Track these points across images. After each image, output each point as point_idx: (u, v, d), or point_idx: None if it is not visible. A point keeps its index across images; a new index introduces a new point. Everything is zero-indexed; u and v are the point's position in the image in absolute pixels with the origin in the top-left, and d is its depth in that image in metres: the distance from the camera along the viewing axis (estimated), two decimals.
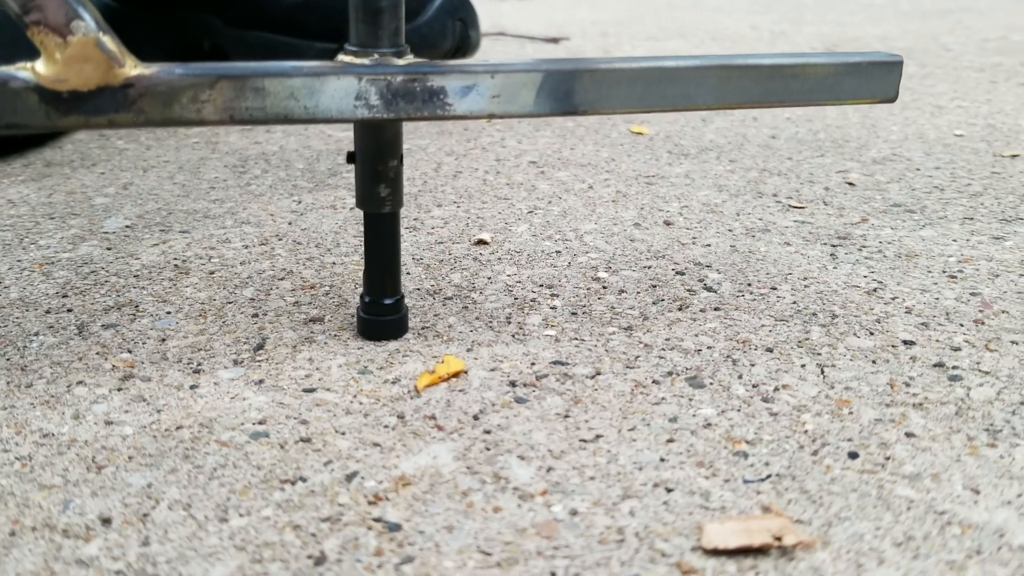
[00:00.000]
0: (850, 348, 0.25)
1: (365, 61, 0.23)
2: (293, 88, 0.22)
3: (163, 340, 0.27)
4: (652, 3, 1.29)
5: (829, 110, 0.56)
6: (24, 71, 0.20)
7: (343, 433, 0.21)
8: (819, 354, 0.25)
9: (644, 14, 1.15)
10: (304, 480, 0.20)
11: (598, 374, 0.24)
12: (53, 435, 0.22)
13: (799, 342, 0.26)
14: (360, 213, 0.38)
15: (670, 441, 0.21)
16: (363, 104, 0.23)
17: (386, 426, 0.22)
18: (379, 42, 0.24)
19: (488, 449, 0.21)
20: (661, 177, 0.42)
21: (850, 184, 0.41)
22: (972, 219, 0.36)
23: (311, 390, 0.24)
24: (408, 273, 0.31)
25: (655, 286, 0.30)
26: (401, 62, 0.23)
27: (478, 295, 0.29)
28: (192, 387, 0.24)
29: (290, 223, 0.37)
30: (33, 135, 0.50)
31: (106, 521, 0.19)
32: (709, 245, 0.34)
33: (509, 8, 1.26)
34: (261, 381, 0.24)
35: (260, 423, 0.22)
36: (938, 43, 0.85)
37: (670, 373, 0.24)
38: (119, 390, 0.24)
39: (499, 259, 0.33)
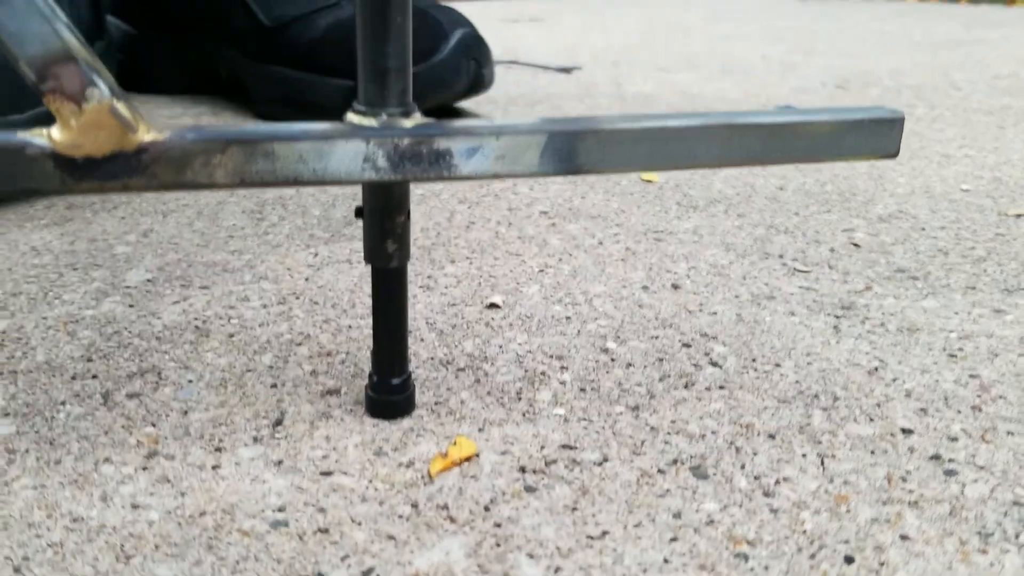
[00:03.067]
0: (850, 436, 0.26)
1: (373, 123, 0.24)
2: (302, 152, 0.23)
3: (185, 412, 0.28)
4: (663, 25, 1.30)
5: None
6: (40, 137, 0.21)
7: (359, 523, 0.22)
8: (820, 442, 0.26)
9: (655, 39, 1.16)
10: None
11: (605, 460, 0.25)
12: (83, 519, 0.23)
13: (800, 428, 0.27)
14: None
15: (674, 540, 0.22)
16: (371, 166, 0.23)
17: (400, 516, 0.23)
18: (386, 102, 0.24)
19: (499, 545, 0.22)
20: (670, 233, 0.43)
21: (855, 245, 0.41)
22: (974, 288, 0.37)
23: (328, 473, 0.24)
24: (422, 339, 0.32)
25: (662, 359, 0.31)
26: (408, 124, 0.24)
27: (489, 366, 0.30)
28: (214, 467, 0.25)
29: (307, 279, 0.38)
30: None
31: None
32: (715, 313, 0.34)
33: (522, 30, 1.27)
34: (280, 462, 0.25)
35: (280, 510, 0.23)
36: (948, 80, 0.86)
37: (675, 461, 0.25)
38: (144, 469, 0.25)
39: (510, 324, 0.33)
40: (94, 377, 0.30)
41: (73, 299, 0.36)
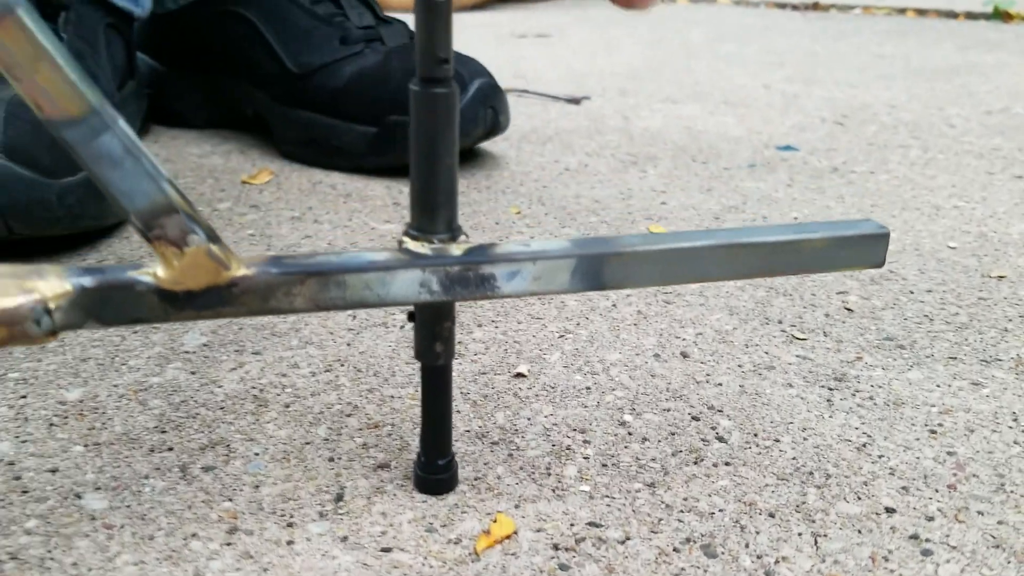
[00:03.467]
0: (840, 515, 0.30)
1: (427, 251, 0.27)
2: (368, 280, 0.27)
3: (256, 487, 0.31)
4: (668, 46, 1.33)
5: (834, 209, 0.61)
6: (147, 276, 0.25)
7: None
8: (814, 521, 0.30)
9: (661, 65, 1.19)
10: None
11: (628, 539, 0.29)
12: None
13: (797, 506, 0.30)
14: (409, 335, 0.42)
15: None
16: (426, 290, 0.27)
17: None
18: (436, 229, 0.28)
19: None
20: (677, 295, 0.47)
21: (849, 310, 0.45)
22: (956, 359, 0.41)
23: (388, 549, 0.28)
24: (458, 411, 0.36)
25: (674, 433, 0.35)
26: (457, 251, 0.27)
27: (520, 439, 0.34)
28: (288, 543, 0.29)
29: (348, 343, 0.41)
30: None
31: None
32: (721, 384, 0.38)
33: (530, 50, 1.30)
34: (345, 538, 0.29)
35: None
36: (942, 115, 0.89)
37: (688, 540, 0.29)
38: (228, 544, 0.28)
39: (536, 395, 0.37)
40: (170, 450, 0.33)
41: (138, 365, 0.39)
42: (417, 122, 0.27)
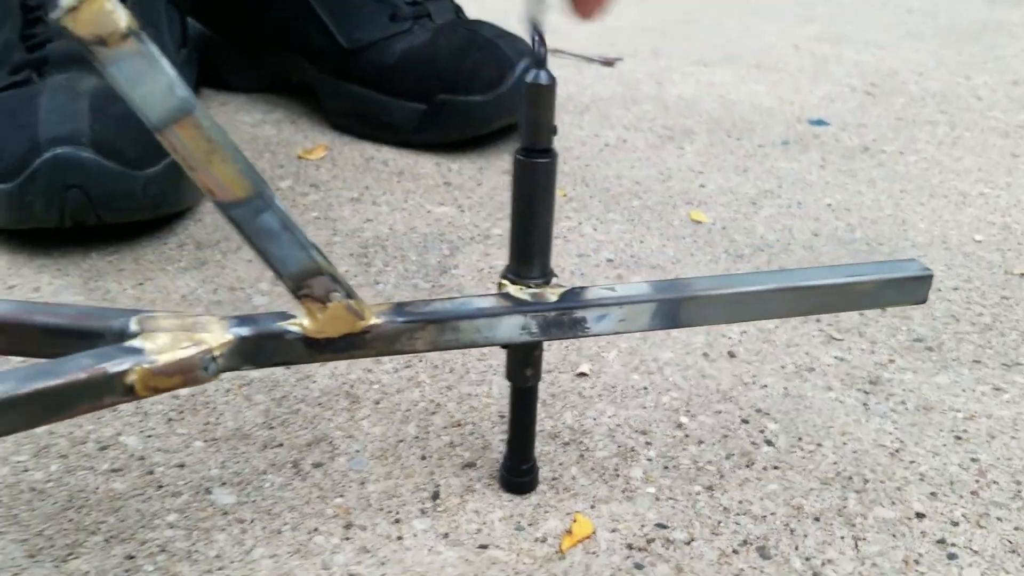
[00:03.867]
0: (877, 519, 0.34)
1: (526, 297, 0.31)
2: (478, 326, 0.31)
3: (363, 483, 0.36)
4: (698, 6, 1.34)
5: (866, 195, 0.64)
6: (295, 326, 0.29)
7: None
8: (854, 525, 0.34)
9: (691, 19, 1.20)
10: None
11: (692, 540, 0.33)
12: None
13: (839, 510, 0.35)
14: None
15: None
16: (527, 332, 0.31)
17: None
18: (532, 273, 0.32)
19: None
20: None
21: (882, 309, 0.49)
22: (979, 362, 0.44)
23: (485, 547, 0.33)
24: None
25: (726, 436, 0.39)
26: (553, 297, 0.31)
27: (588, 440, 0.38)
28: (398, 538, 0.33)
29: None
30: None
31: None
32: (766, 386, 0.42)
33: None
34: (446, 535, 0.33)
35: None
36: (969, 86, 0.91)
37: (745, 542, 0.33)
38: (347, 539, 0.33)
39: (599, 395, 0.41)
40: (280, 446, 0.38)
41: None
42: (519, 184, 0.30)
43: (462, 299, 0.31)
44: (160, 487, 0.35)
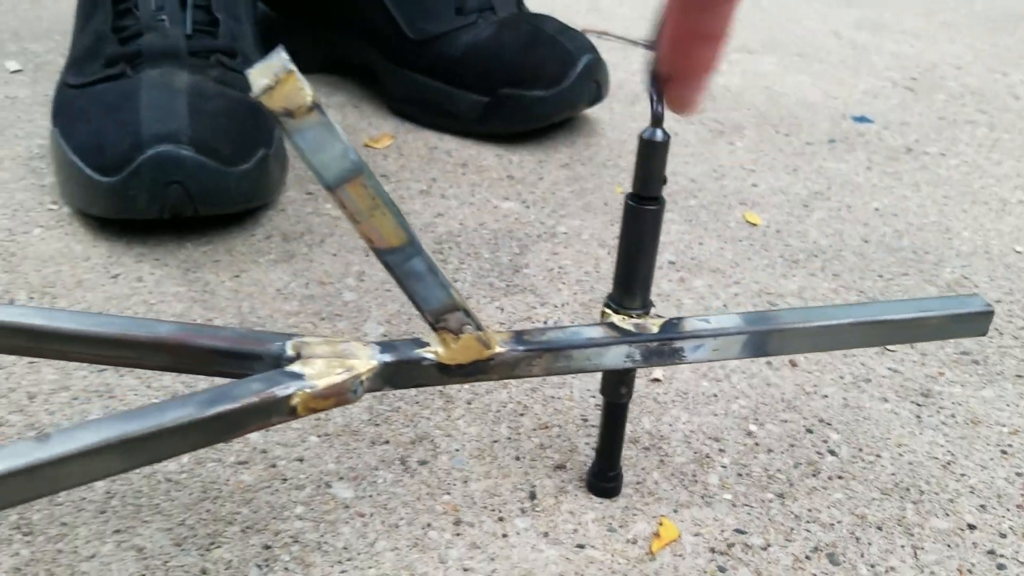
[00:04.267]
0: (933, 530, 0.38)
1: (630, 327, 0.34)
2: (588, 354, 0.34)
3: (466, 482, 0.39)
4: None
5: (911, 199, 0.67)
6: (431, 353, 0.32)
7: None
8: (912, 535, 0.38)
9: None
10: None
11: (768, 546, 0.37)
12: None
13: (899, 520, 0.38)
14: None
15: None
16: (630, 360, 0.34)
17: None
18: (634, 304, 0.35)
19: None
20: (779, 295, 0.54)
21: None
22: (1022, 376, 0.48)
23: (582, 546, 0.37)
24: None
25: (793, 445, 0.42)
26: (655, 328, 0.35)
27: (667, 445, 0.42)
28: (504, 535, 0.37)
29: None
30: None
31: None
32: (827, 396, 0.46)
33: None
34: (546, 534, 0.37)
35: None
36: (1007, 83, 0.93)
37: (816, 549, 0.37)
38: (457, 535, 0.37)
39: (672, 401, 0.45)
40: (386, 443, 0.41)
41: None
42: (628, 226, 0.33)
43: (573, 328, 0.34)
44: (284, 480, 0.39)
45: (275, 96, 0.26)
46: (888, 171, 0.71)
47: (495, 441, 0.42)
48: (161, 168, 0.52)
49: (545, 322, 0.51)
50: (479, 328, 0.32)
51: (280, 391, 0.30)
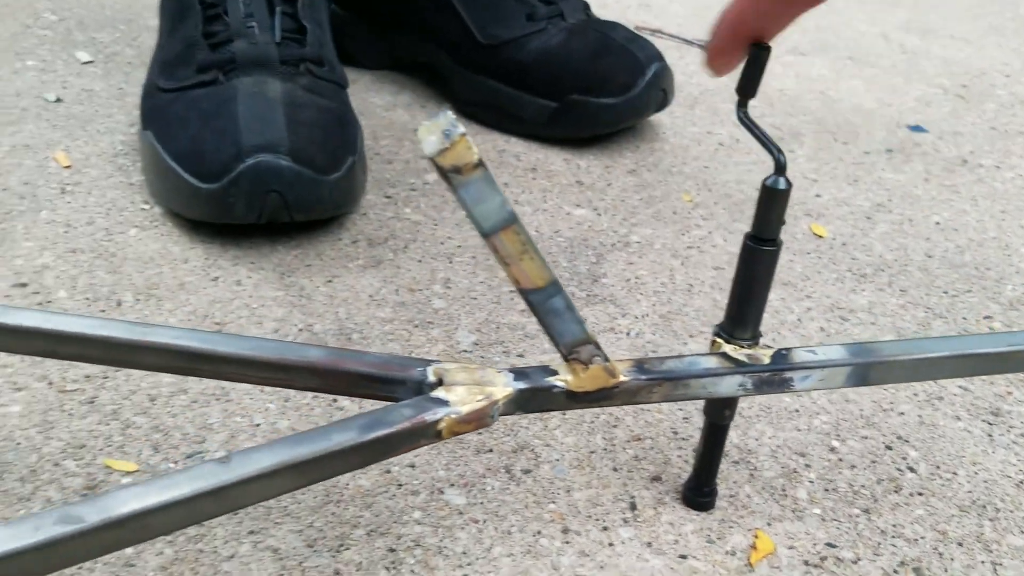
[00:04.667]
0: (1010, 547, 0.40)
1: (743, 358, 0.37)
2: (704, 383, 0.36)
3: (568, 491, 0.42)
4: None
5: (970, 214, 0.69)
6: (561, 382, 0.35)
7: None
8: (991, 551, 0.40)
9: None
10: None
11: (858, 559, 0.39)
12: None
13: (977, 536, 0.41)
14: (637, 341, 0.52)
15: None
16: (743, 389, 0.37)
17: None
18: (745, 335, 0.37)
19: None
20: (851, 311, 0.56)
21: None
22: None
23: (684, 556, 0.39)
24: (698, 428, 0.46)
25: (874, 462, 0.45)
26: (766, 359, 0.37)
27: (755, 460, 0.44)
28: (610, 544, 0.39)
29: None
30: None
31: None
32: (903, 414, 0.48)
33: None
34: (649, 544, 0.40)
35: None
36: None
37: (902, 563, 0.39)
38: (566, 543, 0.39)
39: (756, 415, 0.47)
40: (490, 451, 0.44)
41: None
42: (745, 263, 0.36)
43: (690, 358, 0.36)
44: (400, 485, 0.42)
45: (447, 156, 0.28)
46: (946, 184, 0.73)
47: (592, 452, 0.44)
48: (260, 177, 0.55)
49: (628, 333, 0.53)
50: (606, 359, 0.34)
51: (429, 416, 0.32)
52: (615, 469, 0.43)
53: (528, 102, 0.74)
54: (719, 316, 0.55)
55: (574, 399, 0.35)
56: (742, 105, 0.35)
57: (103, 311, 0.51)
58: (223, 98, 0.58)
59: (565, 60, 0.73)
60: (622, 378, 0.35)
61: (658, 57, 0.72)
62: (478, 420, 0.33)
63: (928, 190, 0.72)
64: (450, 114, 0.29)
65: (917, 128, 0.82)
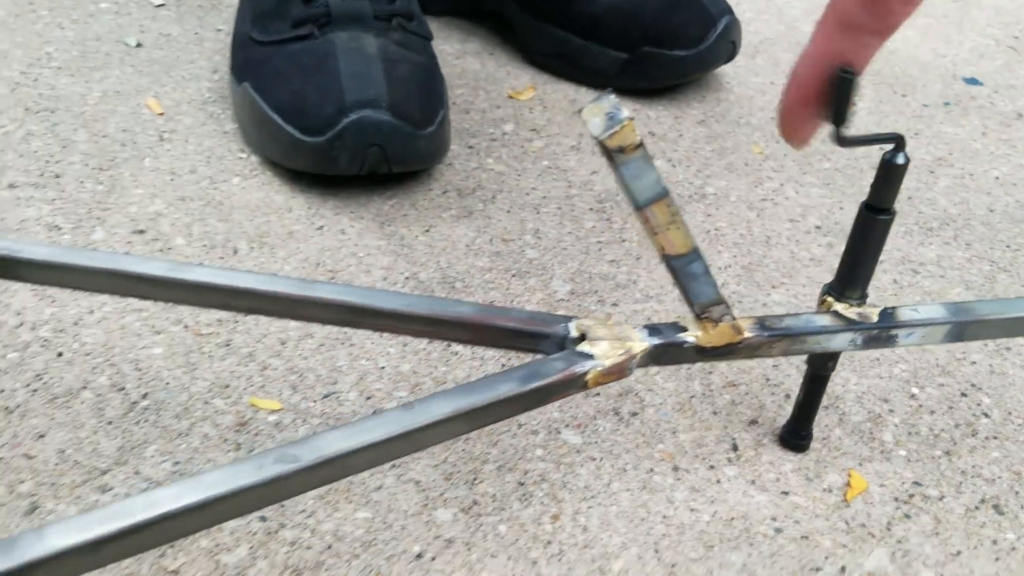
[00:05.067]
0: None
1: (854, 316, 0.40)
2: (819, 339, 0.40)
3: (674, 432, 0.46)
4: None
5: None
6: (691, 337, 0.38)
7: (822, 534, 0.41)
8: None
9: None
10: (818, 570, 0.40)
11: (943, 497, 0.43)
12: (668, 517, 0.41)
13: None
14: (732, 291, 0.55)
15: (996, 560, 0.40)
16: (853, 344, 0.40)
17: (841, 530, 0.41)
18: (855, 294, 0.41)
19: (903, 556, 0.40)
20: (920, 263, 0.59)
21: None
22: None
23: (786, 493, 0.43)
24: (788, 374, 0.50)
25: (951, 407, 0.48)
26: (875, 317, 0.40)
27: (843, 405, 0.48)
28: (717, 482, 0.43)
29: (679, 299, 0.55)
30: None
31: None
32: (975, 363, 0.51)
33: None
34: (753, 481, 0.44)
35: (773, 519, 0.42)
36: None
37: (983, 500, 0.43)
38: (677, 480, 0.43)
39: (841, 364, 0.51)
40: (597, 395, 0.48)
41: (536, 310, 0.53)
42: (859, 231, 0.39)
43: (805, 316, 0.40)
44: (520, 425, 0.45)
45: (615, 138, 0.31)
46: (1003, 138, 0.76)
47: (691, 396, 0.48)
48: (363, 132, 0.57)
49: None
50: (733, 318, 0.38)
51: (578, 368, 0.36)
52: (714, 413, 0.47)
53: (599, 53, 0.76)
54: (797, 268, 0.58)
55: (702, 353, 0.38)
56: (838, 135, 0.35)
57: (221, 259, 0.54)
58: (322, 53, 0.60)
59: (637, 12, 0.74)
60: (746, 334, 0.38)
61: (728, 10, 0.74)
62: (619, 372, 0.37)
63: (986, 144, 0.74)
64: (613, 97, 0.32)
65: (972, 81, 0.84)
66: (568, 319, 0.38)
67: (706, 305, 0.37)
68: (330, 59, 0.60)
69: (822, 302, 0.41)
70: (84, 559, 0.27)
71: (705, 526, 0.41)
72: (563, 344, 0.37)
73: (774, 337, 0.39)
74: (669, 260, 0.35)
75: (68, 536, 0.27)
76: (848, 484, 0.43)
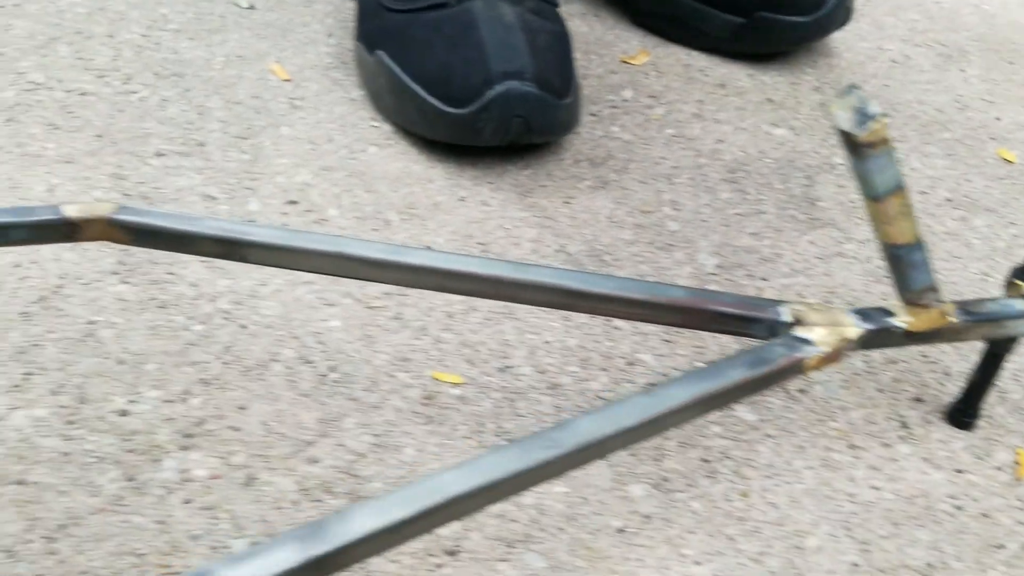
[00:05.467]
0: None
1: None
2: (1019, 324, 0.41)
3: (844, 410, 0.47)
4: None
5: None
6: (901, 323, 0.39)
7: (1001, 511, 0.43)
8: None
9: None
10: (1002, 547, 0.41)
11: None
12: (839, 493, 0.43)
13: None
14: (868, 267, 0.56)
15: None
16: None
17: (1018, 507, 0.43)
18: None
19: None
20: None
21: None
22: None
23: (960, 471, 0.44)
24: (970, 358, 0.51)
25: None
26: None
27: (1001, 383, 0.49)
28: (894, 460, 0.45)
29: (825, 274, 0.55)
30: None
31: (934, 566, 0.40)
32: None
33: None
34: (927, 459, 0.45)
35: (951, 497, 0.43)
36: None
37: None
38: (856, 458, 0.45)
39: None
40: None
41: (688, 285, 0.54)
42: None
43: (1003, 301, 0.41)
44: None
45: (868, 134, 0.32)
46: None
47: (855, 374, 0.49)
48: (508, 103, 0.58)
49: (857, 258, 0.57)
50: (944, 303, 0.38)
51: (800, 354, 0.37)
52: (879, 390, 0.48)
53: (713, 17, 0.76)
54: (935, 243, 0.59)
55: (909, 338, 0.39)
56: None
57: (375, 230, 0.55)
58: (463, 23, 0.60)
59: None
60: (950, 320, 0.39)
61: None
62: (836, 358, 0.38)
63: None
64: (861, 93, 0.32)
65: None
66: (777, 303, 0.39)
67: (921, 291, 0.38)
68: (472, 29, 0.60)
69: (1010, 284, 0.42)
70: (385, 540, 0.29)
71: (890, 504, 0.42)
72: (774, 328, 0.38)
73: (978, 322, 0.40)
74: (894, 248, 0.36)
75: (370, 520, 0.28)
76: (1017, 462, 0.45)
